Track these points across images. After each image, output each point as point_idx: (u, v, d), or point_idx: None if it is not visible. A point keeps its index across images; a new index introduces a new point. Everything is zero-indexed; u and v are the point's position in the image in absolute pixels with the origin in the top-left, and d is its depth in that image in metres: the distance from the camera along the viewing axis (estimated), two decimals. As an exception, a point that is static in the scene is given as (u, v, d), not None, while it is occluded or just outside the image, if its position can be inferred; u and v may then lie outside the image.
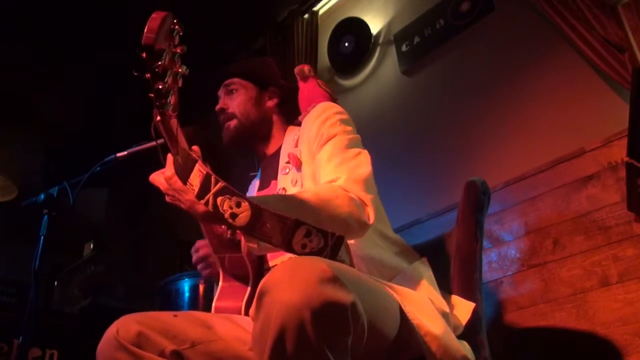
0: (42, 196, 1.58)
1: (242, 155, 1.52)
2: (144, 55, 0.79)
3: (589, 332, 1.84)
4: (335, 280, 0.77)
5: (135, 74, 0.82)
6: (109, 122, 4.05)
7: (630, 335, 1.75)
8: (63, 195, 1.57)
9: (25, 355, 1.45)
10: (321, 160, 1.23)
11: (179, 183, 0.95)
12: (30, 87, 3.86)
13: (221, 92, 1.51)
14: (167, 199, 1.02)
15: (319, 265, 0.78)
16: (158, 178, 1.03)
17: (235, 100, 1.47)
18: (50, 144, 4.27)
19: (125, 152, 1.56)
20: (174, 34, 0.85)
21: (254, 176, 1.57)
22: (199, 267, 1.44)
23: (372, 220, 1.10)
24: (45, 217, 1.56)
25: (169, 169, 0.97)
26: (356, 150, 1.24)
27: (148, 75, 0.82)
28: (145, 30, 0.78)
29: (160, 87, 0.82)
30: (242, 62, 1.56)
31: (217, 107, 1.48)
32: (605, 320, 1.82)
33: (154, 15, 0.80)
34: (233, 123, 1.45)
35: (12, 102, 3.84)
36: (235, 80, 1.50)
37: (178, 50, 0.86)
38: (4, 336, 2.20)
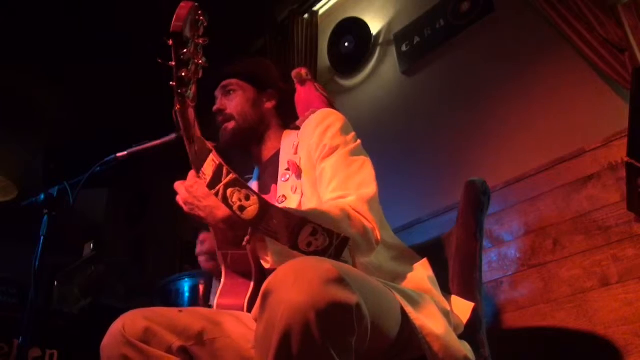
0: (42, 196, 1.57)
1: (238, 155, 1.52)
2: (170, 42, 0.80)
3: (589, 332, 1.84)
4: (340, 280, 0.77)
5: (160, 61, 0.83)
6: (109, 122, 4.05)
7: (630, 335, 1.75)
8: (63, 195, 1.57)
9: (25, 355, 1.45)
10: (325, 173, 1.23)
11: (199, 191, 0.98)
12: (30, 87, 3.86)
13: (218, 93, 1.49)
14: (186, 208, 1.04)
15: (324, 265, 0.78)
16: (180, 187, 1.05)
17: (233, 102, 1.46)
18: (50, 144, 4.27)
19: (125, 152, 1.55)
20: (199, 24, 0.86)
21: (249, 179, 1.56)
22: (201, 259, 1.43)
23: (378, 244, 1.12)
24: (45, 217, 1.55)
25: (190, 179, 0.99)
26: (359, 161, 1.24)
27: (172, 62, 0.82)
28: (174, 18, 0.79)
29: (183, 74, 0.83)
30: (240, 62, 1.54)
31: (215, 107, 1.47)
32: (605, 320, 1.82)
33: (182, 4, 0.81)
34: (231, 125, 1.44)
35: (12, 102, 3.84)
36: (234, 81, 1.48)
37: (201, 42, 0.87)
38: (4, 336, 2.19)
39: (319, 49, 3.29)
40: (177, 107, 0.88)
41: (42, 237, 1.52)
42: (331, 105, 1.45)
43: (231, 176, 0.88)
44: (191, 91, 0.87)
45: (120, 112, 3.92)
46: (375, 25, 3.15)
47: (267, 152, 1.47)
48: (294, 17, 3.37)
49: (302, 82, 1.48)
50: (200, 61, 0.87)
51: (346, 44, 3.18)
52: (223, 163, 0.89)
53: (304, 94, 1.47)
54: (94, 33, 3.43)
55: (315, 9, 3.42)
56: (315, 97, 1.46)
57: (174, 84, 0.84)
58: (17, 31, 3.39)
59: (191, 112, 0.91)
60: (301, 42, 3.27)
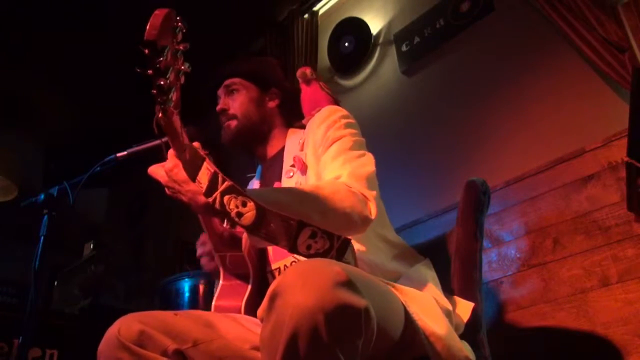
0: (42, 196, 1.57)
1: (240, 155, 1.51)
2: (146, 51, 0.79)
3: (589, 332, 1.84)
4: (349, 284, 0.77)
5: (138, 70, 0.82)
6: (109, 122, 4.05)
7: (630, 335, 1.75)
8: (63, 195, 1.57)
9: (25, 355, 1.45)
10: (326, 159, 1.24)
11: (179, 175, 0.95)
12: (30, 87, 3.86)
13: (221, 92, 1.49)
14: (167, 192, 1.01)
15: (333, 268, 0.78)
16: (158, 170, 1.01)
17: (237, 101, 1.46)
18: (50, 144, 4.28)
19: (125, 152, 1.55)
20: (177, 31, 0.85)
21: (251, 178, 1.56)
22: (202, 260, 1.43)
23: (373, 215, 1.10)
24: (45, 217, 1.55)
25: (170, 161, 0.97)
26: (361, 151, 1.25)
27: (150, 71, 0.82)
28: (147, 26, 0.79)
29: (162, 83, 0.82)
30: (243, 61, 1.54)
31: (218, 107, 1.47)
32: (605, 320, 1.82)
33: (156, 12, 0.80)
34: (234, 123, 1.44)
35: (12, 102, 3.84)
36: (237, 80, 1.48)
37: (181, 48, 0.86)
38: (4, 336, 2.20)
39: (319, 49, 3.29)
40: (160, 115, 0.87)
41: (42, 237, 1.52)
42: (337, 104, 1.45)
43: (227, 183, 0.87)
44: (172, 99, 0.86)
45: (120, 112, 3.92)
46: (375, 25, 3.15)
47: (270, 150, 1.48)
48: (294, 17, 3.37)
49: (308, 81, 1.48)
50: (182, 67, 0.87)
51: (346, 44, 3.18)
52: (217, 171, 0.89)
53: (309, 93, 1.47)
54: (94, 32, 3.43)
55: (315, 9, 3.42)
56: (322, 96, 1.46)
57: (154, 92, 0.84)
58: (17, 31, 3.40)
59: (176, 120, 0.89)
60: (301, 42, 3.27)
